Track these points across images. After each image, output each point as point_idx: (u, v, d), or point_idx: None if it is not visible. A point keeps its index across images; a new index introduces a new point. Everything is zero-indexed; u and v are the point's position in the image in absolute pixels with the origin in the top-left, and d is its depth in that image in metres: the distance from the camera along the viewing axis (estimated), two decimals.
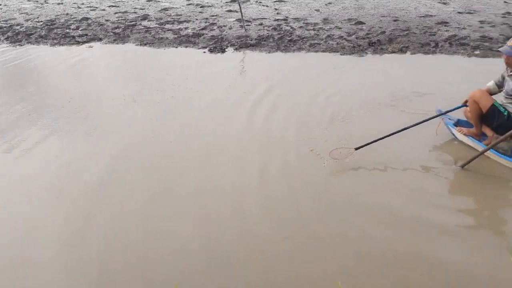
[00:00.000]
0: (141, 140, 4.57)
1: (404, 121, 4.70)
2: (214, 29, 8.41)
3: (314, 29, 8.23)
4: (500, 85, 4.19)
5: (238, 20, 8.93)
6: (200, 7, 10.17)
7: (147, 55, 7.24)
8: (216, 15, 9.40)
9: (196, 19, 9.11)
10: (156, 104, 5.40)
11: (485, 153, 3.93)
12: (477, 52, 6.93)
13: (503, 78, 4.13)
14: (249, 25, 8.59)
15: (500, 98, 4.07)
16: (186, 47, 7.59)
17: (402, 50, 7.06)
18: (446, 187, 3.72)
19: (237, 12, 9.66)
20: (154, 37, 8.03)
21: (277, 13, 9.54)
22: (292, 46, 7.41)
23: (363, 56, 6.94)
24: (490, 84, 4.21)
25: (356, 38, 7.66)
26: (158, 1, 11.06)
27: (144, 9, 10.19)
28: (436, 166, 3.93)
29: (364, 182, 3.70)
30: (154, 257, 3.01)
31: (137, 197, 3.66)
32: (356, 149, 3.79)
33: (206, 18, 9.16)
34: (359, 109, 5.06)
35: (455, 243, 3.02)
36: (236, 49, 7.43)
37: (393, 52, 7.02)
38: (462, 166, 3.82)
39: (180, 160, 4.17)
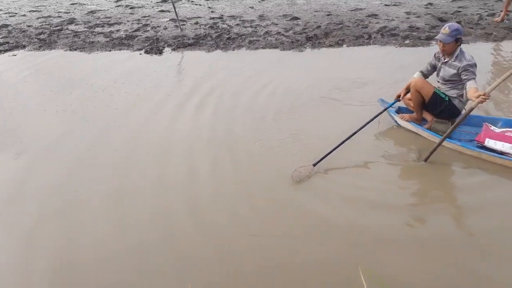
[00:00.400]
0: (79, 152, 4.22)
1: (348, 112, 4.85)
2: (148, 30, 8.10)
3: (251, 26, 8.20)
4: (427, 74, 4.40)
5: (172, 20, 8.68)
6: (130, 8, 9.76)
7: (78, 61, 6.79)
8: (148, 16, 9.06)
9: (128, 21, 8.72)
10: (94, 113, 5.02)
11: (428, 136, 4.13)
12: (407, 41, 7.27)
13: (433, 66, 4.34)
14: (184, 24, 8.37)
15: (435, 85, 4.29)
16: (121, 49, 7.22)
17: (338, 43, 7.24)
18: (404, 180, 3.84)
19: (169, 12, 9.40)
20: (84, 42, 7.56)
21: (212, 12, 9.40)
22: (232, 44, 7.33)
23: (302, 51, 7.02)
24: (417, 75, 4.37)
25: (294, 33, 7.74)
26: (84, 4, 10.47)
27: (69, 12, 9.58)
28: (392, 159, 4.00)
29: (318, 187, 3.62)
30: (78, 263, 2.89)
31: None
32: (314, 165, 3.70)
33: (138, 19, 8.80)
34: (304, 103, 5.09)
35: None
36: (173, 49, 7.20)
37: (330, 45, 7.17)
38: (425, 160, 3.88)
39: (126, 167, 3.93)
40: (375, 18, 8.53)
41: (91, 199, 3.52)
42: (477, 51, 6.90)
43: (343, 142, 3.90)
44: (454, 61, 4.05)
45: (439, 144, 3.79)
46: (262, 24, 8.32)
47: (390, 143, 4.25)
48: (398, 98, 4.38)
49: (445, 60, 4.14)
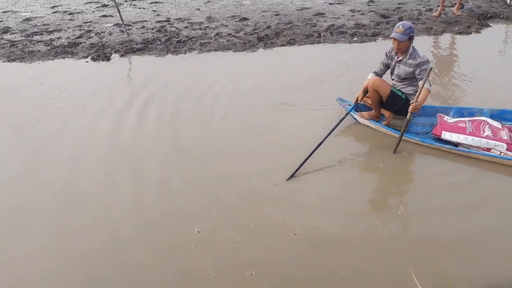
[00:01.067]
0: (17, 166, 3.92)
1: (298, 113, 4.85)
2: (92, 37, 7.72)
3: (200, 28, 8.06)
4: (381, 74, 4.47)
5: (117, 25, 8.34)
6: (69, 14, 9.25)
7: (18, 73, 6.31)
8: (90, 22, 8.63)
9: (68, 28, 8.25)
10: (38, 132, 4.57)
11: (387, 132, 4.26)
12: (355, 38, 7.47)
13: (386, 65, 4.42)
14: (130, 29, 8.07)
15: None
16: (64, 58, 6.81)
17: (290, 43, 7.29)
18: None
19: (112, 16, 9.03)
20: (23, 51, 7.05)
21: (157, 15, 9.14)
22: (182, 47, 7.15)
23: (255, 51, 6.99)
24: (371, 76, 4.45)
25: (245, 34, 7.70)
26: (17, 12, 9.79)
27: (1, 21, 8.91)
28: (354, 160, 4.05)
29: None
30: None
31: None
32: (288, 179, 3.63)
33: (80, 26, 8.36)
34: (258, 105, 5.04)
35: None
36: (121, 55, 6.90)
37: (282, 45, 7.21)
38: (394, 151, 4.01)
39: (65, 182, 3.69)
40: (322, 16, 8.69)
41: (34, 213, 3.31)
42: (421, 45, 7.22)
43: (312, 152, 3.79)
44: (408, 59, 4.15)
45: (401, 135, 3.95)
46: (212, 26, 8.21)
47: (352, 142, 4.29)
48: (357, 102, 4.42)
49: (399, 59, 4.23)
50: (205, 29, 8.02)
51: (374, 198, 3.48)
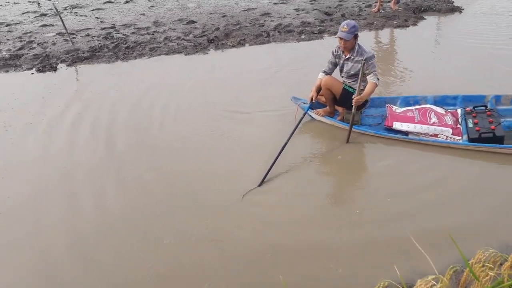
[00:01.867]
0: None
1: (243, 116, 4.86)
2: (35, 47, 7.40)
3: (148, 33, 7.97)
4: (330, 73, 4.59)
5: (60, 34, 8.05)
6: (6, 26, 8.79)
7: None
8: (30, 32, 8.26)
9: (8, 40, 7.86)
10: None
11: (342, 127, 4.44)
12: (303, 36, 7.70)
13: (334, 64, 4.55)
14: (74, 37, 7.82)
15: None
16: (7, 71, 6.49)
17: (240, 43, 7.39)
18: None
19: (53, 26, 8.70)
20: None
21: (101, 22, 8.91)
22: (132, 53, 7.04)
23: (207, 53, 7.02)
24: (321, 75, 4.57)
25: (194, 37, 7.70)
26: None
27: None
28: (315, 160, 4.09)
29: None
30: None
31: None
32: (259, 185, 3.64)
33: (20, 37, 7.99)
34: (212, 111, 5.03)
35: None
36: (68, 65, 6.69)
37: (233, 46, 7.29)
38: (347, 141, 4.25)
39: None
40: (269, 16, 8.87)
41: None
42: (364, 40, 7.58)
43: (278, 155, 3.83)
44: (356, 56, 4.32)
45: (350, 128, 4.19)
46: (159, 30, 8.14)
47: (311, 139, 4.42)
48: (312, 101, 4.50)
49: (347, 57, 4.39)
50: (153, 34, 7.93)
51: (334, 195, 3.63)
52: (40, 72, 6.44)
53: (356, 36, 4.26)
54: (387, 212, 3.26)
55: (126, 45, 7.34)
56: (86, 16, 9.53)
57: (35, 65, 6.66)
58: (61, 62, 6.79)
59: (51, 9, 10.07)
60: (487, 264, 2.37)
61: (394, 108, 4.60)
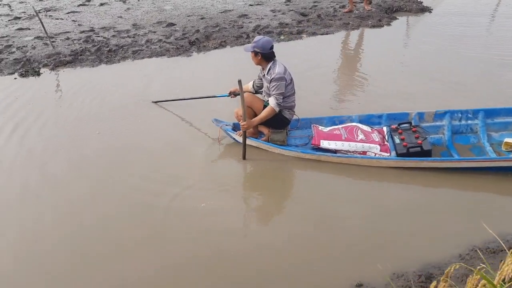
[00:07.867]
0: None
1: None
2: (14, 52, 7.33)
3: (129, 36, 8.01)
4: (259, 85, 4.42)
5: (38, 37, 7.99)
6: None
7: None
8: (6, 36, 8.15)
9: None
10: None
11: (269, 148, 4.34)
12: (282, 37, 7.93)
13: (260, 78, 4.36)
14: (54, 41, 7.78)
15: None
16: None
17: (222, 45, 7.56)
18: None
19: (30, 29, 8.60)
20: None
21: (79, 25, 8.87)
22: (115, 57, 7.10)
23: (190, 56, 7.16)
24: (250, 84, 4.46)
25: (175, 39, 7.81)
26: None
27: None
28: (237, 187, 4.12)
29: None
30: None
31: None
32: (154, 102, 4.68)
33: None
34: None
35: None
36: (51, 69, 6.68)
37: (215, 48, 7.45)
38: (243, 158, 4.20)
39: None
40: (246, 18, 9.06)
41: None
42: (340, 40, 7.93)
43: (190, 99, 4.33)
44: (267, 74, 4.11)
45: (244, 143, 4.12)
46: (140, 33, 8.20)
47: (234, 164, 4.32)
48: (231, 96, 4.47)
49: (263, 74, 4.23)
50: (134, 37, 7.99)
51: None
52: (23, 77, 6.41)
53: (256, 54, 4.04)
54: None
55: (108, 48, 7.37)
56: (62, 19, 9.44)
57: (16, 69, 6.62)
58: (44, 66, 6.77)
59: (24, 12, 9.91)
60: None
61: (321, 127, 4.47)
